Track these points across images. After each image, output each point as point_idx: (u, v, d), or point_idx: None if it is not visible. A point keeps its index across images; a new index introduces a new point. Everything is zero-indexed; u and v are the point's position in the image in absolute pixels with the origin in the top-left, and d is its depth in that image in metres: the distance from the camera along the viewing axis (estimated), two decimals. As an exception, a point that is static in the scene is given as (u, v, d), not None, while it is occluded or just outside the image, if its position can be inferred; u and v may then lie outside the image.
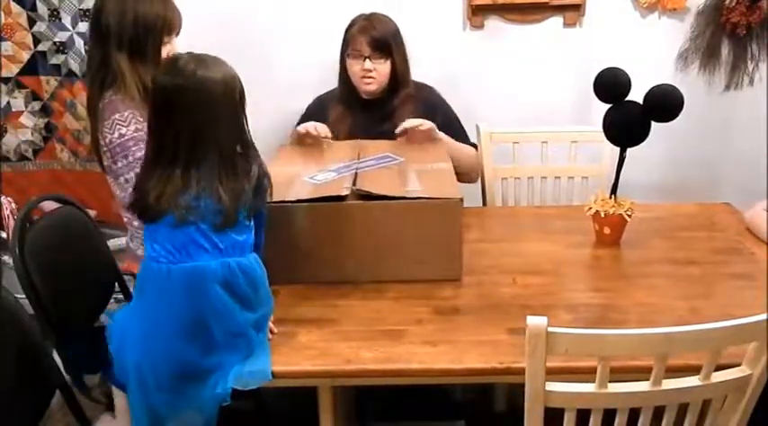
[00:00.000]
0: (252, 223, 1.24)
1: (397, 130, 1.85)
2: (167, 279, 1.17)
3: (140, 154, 1.49)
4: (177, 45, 1.63)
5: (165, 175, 1.15)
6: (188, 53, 1.18)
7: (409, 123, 1.85)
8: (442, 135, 1.92)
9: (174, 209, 1.14)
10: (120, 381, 1.27)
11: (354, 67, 1.94)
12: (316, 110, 2.05)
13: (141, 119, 1.53)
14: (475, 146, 2.06)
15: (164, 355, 1.18)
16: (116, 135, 1.52)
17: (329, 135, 1.87)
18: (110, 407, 1.56)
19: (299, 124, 2.05)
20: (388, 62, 1.93)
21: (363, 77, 1.93)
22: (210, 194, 1.14)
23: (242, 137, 1.20)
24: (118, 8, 1.53)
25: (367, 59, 1.91)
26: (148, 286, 1.21)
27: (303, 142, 1.87)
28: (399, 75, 1.96)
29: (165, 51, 1.60)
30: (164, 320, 1.17)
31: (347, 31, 1.95)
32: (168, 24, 1.58)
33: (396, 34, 1.94)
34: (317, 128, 1.87)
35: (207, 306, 1.16)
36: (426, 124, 1.85)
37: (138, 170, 1.47)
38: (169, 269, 1.16)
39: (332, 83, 2.09)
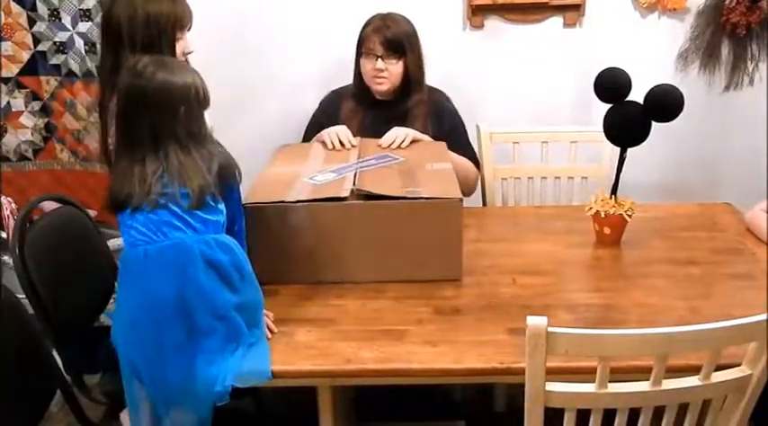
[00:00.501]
0: (222, 206, 1.26)
1: (382, 145, 1.82)
2: (144, 260, 1.18)
3: None
4: (190, 40, 1.62)
5: (132, 170, 1.20)
6: (149, 57, 1.25)
7: (388, 139, 1.83)
8: (427, 139, 1.90)
9: (146, 198, 1.19)
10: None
11: (367, 66, 1.93)
12: (330, 104, 2.05)
13: None
14: (477, 163, 2.03)
15: (147, 340, 1.18)
16: None
17: (354, 142, 1.84)
18: (110, 407, 1.56)
19: (314, 116, 2.06)
20: (401, 63, 1.92)
21: (375, 77, 1.92)
22: (176, 179, 1.19)
23: (200, 131, 1.25)
24: (127, 9, 1.51)
25: (379, 59, 1.90)
26: (128, 273, 1.22)
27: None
28: (412, 77, 1.94)
29: (180, 48, 1.58)
30: (144, 303, 1.18)
31: (362, 30, 1.94)
32: (180, 20, 1.56)
33: (410, 36, 1.93)
34: (339, 135, 1.84)
35: (186, 283, 1.17)
36: (408, 139, 1.83)
37: None
38: (146, 250, 1.19)
39: (335, 82, 2.09)
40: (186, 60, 1.59)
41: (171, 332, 1.17)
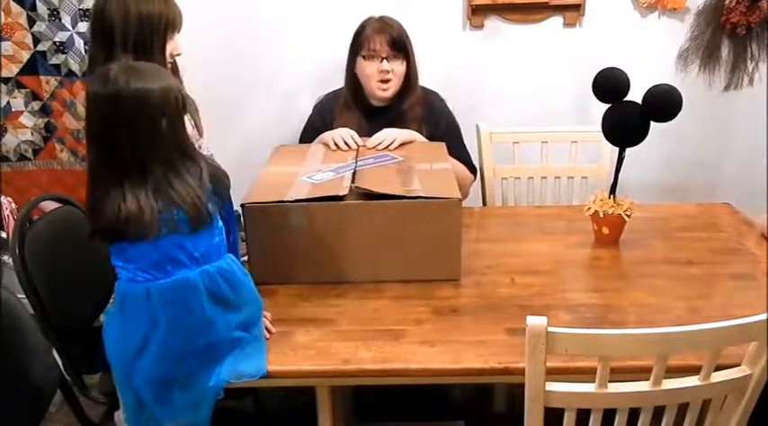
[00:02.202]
0: (221, 223, 1.22)
1: (368, 146, 1.81)
2: (147, 298, 1.14)
3: None
4: (179, 43, 1.63)
5: (121, 195, 1.11)
6: (117, 64, 1.15)
7: (374, 141, 1.81)
8: (421, 139, 1.88)
9: (144, 230, 1.11)
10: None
11: (369, 69, 1.89)
12: (324, 110, 2.02)
13: None
14: (473, 167, 2.02)
15: (152, 372, 1.17)
16: None
17: (359, 141, 1.82)
18: (110, 407, 1.56)
19: (309, 122, 2.04)
20: (405, 64, 1.90)
21: (381, 81, 1.89)
22: (170, 203, 1.12)
23: (183, 143, 1.16)
24: (120, 9, 1.51)
25: (384, 60, 1.87)
26: (128, 306, 1.18)
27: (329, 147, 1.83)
28: (412, 79, 1.93)
29: (169, 49, 1.59)
30: (149, 340, 1.16)
31: (360, 32, 1.91)
32: (171, 22, 1.57)
33: (407, 36, 1.92)
34: (344, 136, 1.81)
35: (190, 319, 1.15)
36: (396, 142, 1.81)
37: None
38: (147, 287, 1.14)
39: (331, 83, 2.09)
40: (174, 62, 1.60)
41: (174, 358, 1.17)
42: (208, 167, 1.18)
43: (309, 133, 1.99)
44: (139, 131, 1.10)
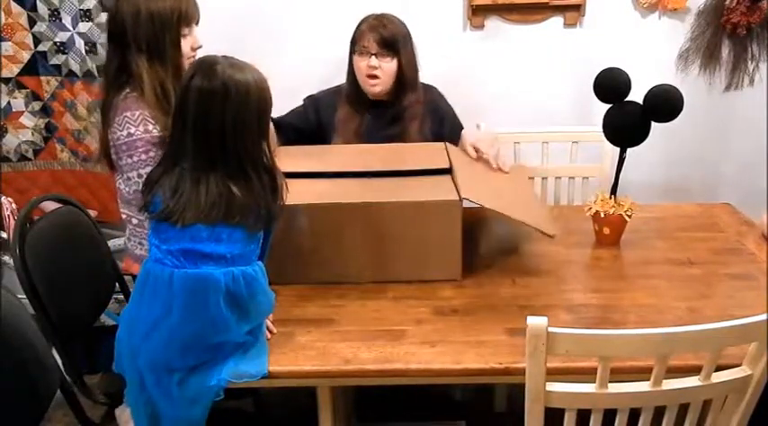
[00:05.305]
0: (261, 232, 1.24)
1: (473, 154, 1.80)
2: (169, 283, 1.16)
3: (146, 156, 1.49)
4: (197, 36, 1.59)
5: (186, 179, 1.16)
6: (222, 56, 1.20)
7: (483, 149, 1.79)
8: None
9: (201, 218, 1.15)
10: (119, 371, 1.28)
11: (360, 64, 1.92)
12: (323, 103, 2.01)
13: (152, 121, 1.50)
14: None
15: (156, 350, 1.18)
16: (124, 133, 1.50)
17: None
18: (110, 407, 1.56)
19: (304, 107, 2.03)
20: (395, 61, 1.90)
21: (368, 77, 1.91)
22: (227, 214, 1.16)
23: (266, 146, 1.22)
24: (131, 9, 1.50)
25: (373, 56, 1.89)
26: (149, 287, 1.20)
27: None
28: (406, 77, 1.93)
29: (188, 44, 1.56)
30: (160, 323, 1.17)
31: (357, 28, 1.94)
32: (185, 16, 1.54)
33: (405, 36, 1.92)
34: None
35: (205, 316, 1.16)
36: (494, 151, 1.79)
37: (142, 171, 1.48)
38: (172, 273, 1.16)
39: (332, 82, 2.09)
40: (195, 56, 1.58)
41: (182, 352, 1.17)
42: (281, 177, 1.22)
43: (301, 117, 1.98)
44: (230, 123, 1.15)
